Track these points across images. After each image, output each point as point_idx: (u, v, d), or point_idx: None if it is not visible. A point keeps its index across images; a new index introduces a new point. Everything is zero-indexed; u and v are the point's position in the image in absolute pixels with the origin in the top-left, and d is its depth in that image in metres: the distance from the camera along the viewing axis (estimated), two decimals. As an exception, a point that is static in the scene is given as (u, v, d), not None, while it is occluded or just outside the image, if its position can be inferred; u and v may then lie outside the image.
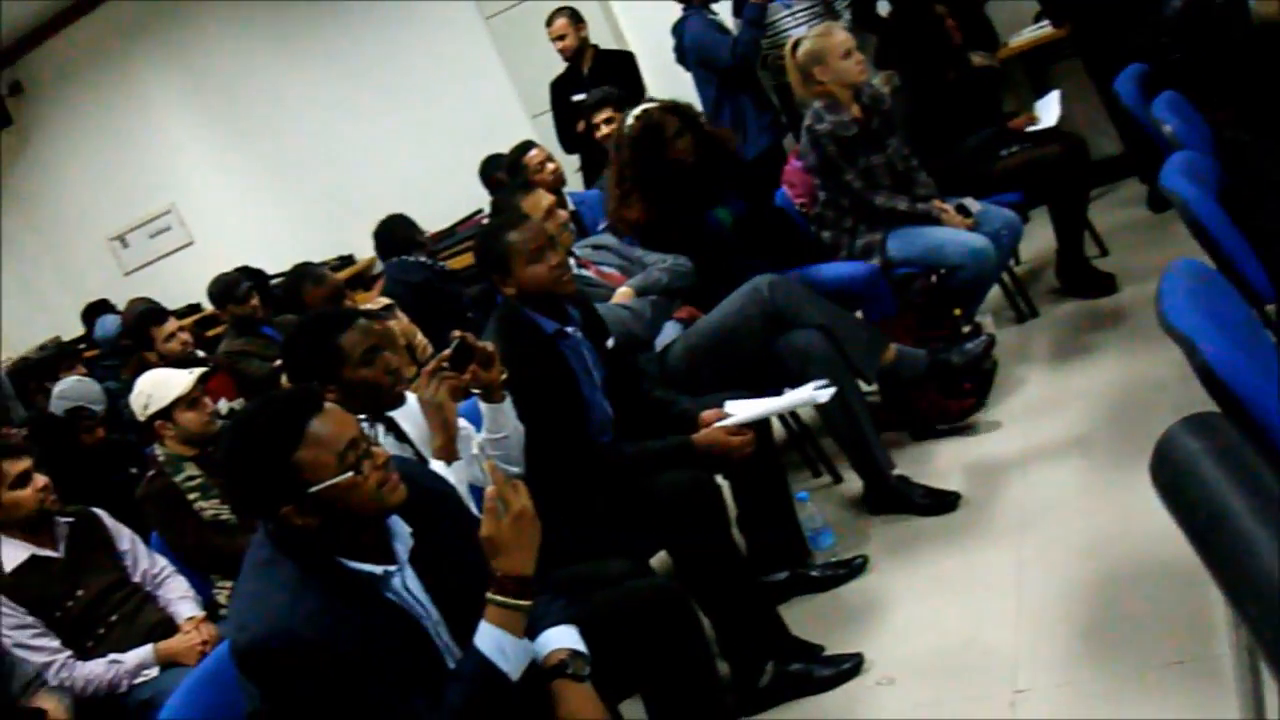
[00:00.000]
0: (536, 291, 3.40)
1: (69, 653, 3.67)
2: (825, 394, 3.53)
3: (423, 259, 5.85)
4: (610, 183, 4.62)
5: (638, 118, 4.46)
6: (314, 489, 2.18)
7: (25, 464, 3.79)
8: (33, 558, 3.78)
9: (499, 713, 2.23)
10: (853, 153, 4.68)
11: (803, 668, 3.30)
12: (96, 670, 3.65)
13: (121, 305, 8.58)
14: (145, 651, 3.71)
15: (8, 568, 3.74)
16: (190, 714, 2.68)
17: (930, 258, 4.67)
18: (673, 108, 4.51)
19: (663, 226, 4.44)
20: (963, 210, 4.76)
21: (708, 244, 4.44)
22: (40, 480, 3.81)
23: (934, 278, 4.70)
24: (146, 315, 6.32)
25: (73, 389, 5.73)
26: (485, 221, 7.11)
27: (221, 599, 4.05)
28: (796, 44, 4.84)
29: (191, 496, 4.07)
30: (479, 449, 3.07)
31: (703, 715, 2.73)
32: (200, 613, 3.88)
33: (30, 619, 3.67)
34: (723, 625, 3.21)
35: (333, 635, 2.15)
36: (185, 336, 6.23)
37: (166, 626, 3.84)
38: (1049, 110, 5.44)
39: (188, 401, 4.14)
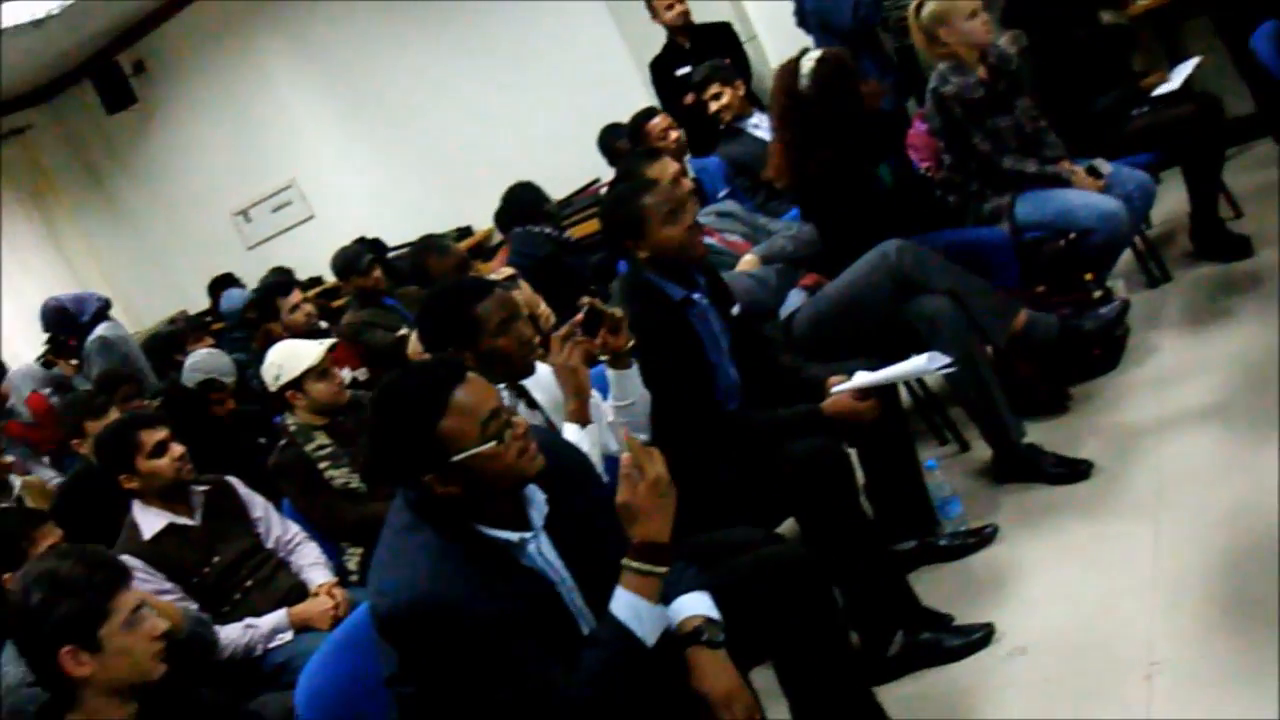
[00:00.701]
0: (669, 255, 3.41)
1: (208, 617, 3.77)
2: (940, 362, 3.48)
3: (548, 230, 5.86)
4: (778, 140, 4.49)
5: (820, 61, 4.32)
6: (456, 458, 2.21)
7: (162, 434, 3.90)
8: (170, 525, 3.88)
9: (634, 678, 2.26)
10: (979, 115, 4.60)
11: (932, 637, 3.29)
12: (233, 634, 3.74)
13: (246, 279, 8.78)
14: (280, 616, 3.79)
15: (146, 535, 3.84)
16: (328, 677, 2.75)
17: (1060, 221, 4.57)
18: (836, 54, 4.43)
19: (846, 175, 4.31)
20: (1093, 172, 4.66)
21: (875, 200, 4.35)
22: (176, 450, 3.90)
23: (1064, 242, 4.61)
24: (273, 286, 6.45)
25: (204, 361, 5.87)
26: (603, 191, 7.16)
27: (351, 565, 4.14)
28: (920, 5, 4.76)
29: (322, 465, 4.16)
30: (614, 416, 3.09)
31: (833, 683, 2.72)
32: (332, 578, 3.96)
33: (169, 584, 3.77)
34: (852, 594, 3.20)
35: (471, 600, 2.19)
36: (309, 308, 6.36)
37: (299, 592, 3.92)
38: (1180, 74, 5.29)
39: (318, 372, 4.21)
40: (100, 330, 7.13)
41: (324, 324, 6.37)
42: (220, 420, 5.56)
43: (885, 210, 4.32)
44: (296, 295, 6.29)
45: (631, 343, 3.10)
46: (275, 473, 4.26)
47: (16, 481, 5.71)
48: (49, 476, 6.70)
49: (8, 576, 3.46)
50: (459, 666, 2.22)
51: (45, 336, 7.76)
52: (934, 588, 3.54)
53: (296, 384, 4.21)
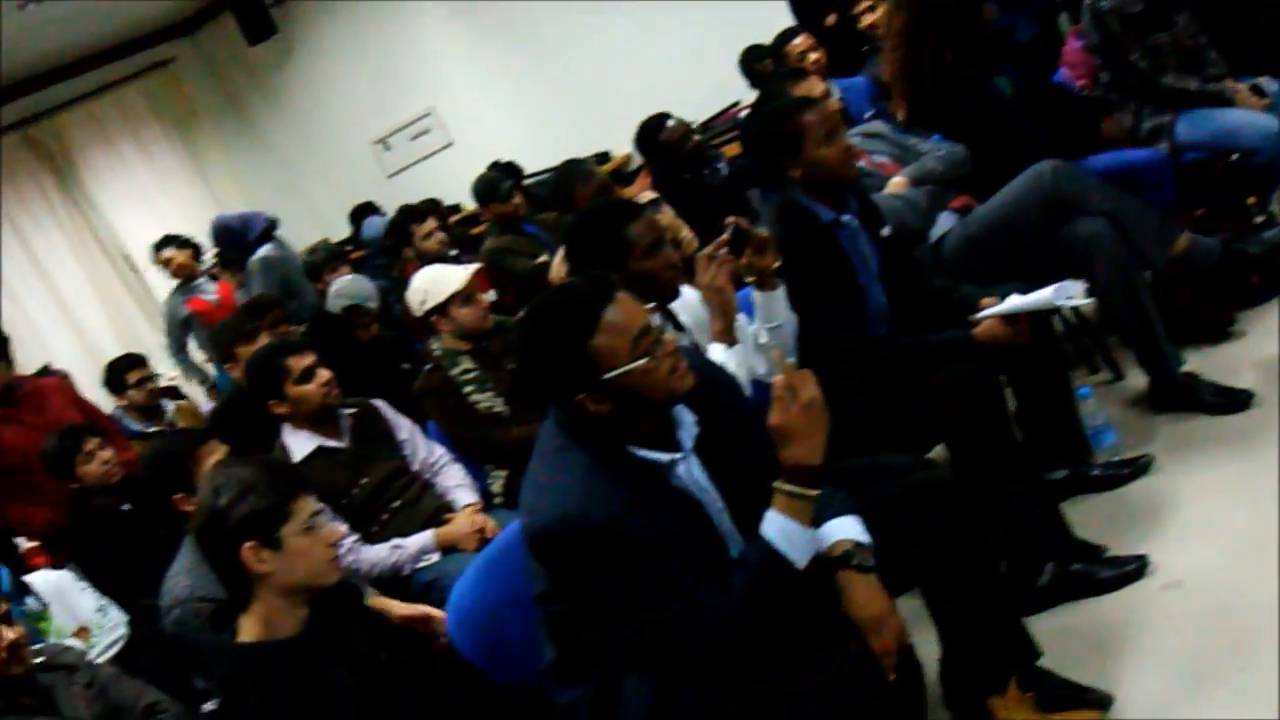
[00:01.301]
0: (824, 175, 3.38)
1: (356, 537, 3.86)
2: (1077, 289, 3.38)
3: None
4: (892, 65, 4.42)
5: None
6: (608, 376, 2.23)
7: (310, 359, 3.98)
8: (319, 448, 3.98)
9: (784, 601, 2.26)
10: (1138, 31, 4.45)
11: (1084, 569, 3.24)
12: (381, 554, 3.83)
13: (385, 207, 8.90)
14: (426, 537, 3.87)
15: (296, 458, 3.94)
16: (477, 597, 2.81)
17: (1222, 142, 4.42)
18: None
19: (964, 85, 4.23)
20: (1257, 91, 4.49)
21: (996, 115, 4.24)
22: (323, 375, 3.98)
23: (1225, 163, 4.45)
24: (408, 213, 6.51)
25: (348, 287, 5.97)
26: (743, 115, 7.10)
27: (495, 488, 4.19)
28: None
29: (467, 389, 4.20)
30: (766, 339, 3.08)
31: (983, 611, 2.71)
32: (477, 500, 4.03)
33: (319, 505, 3.86)
34: (1002, 522, 3.15)
35: (623, 520, 2.21)
36: (442, 236, 6.41)
37: (445, 513, 3.99)
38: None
39: (463, 297, 4.25)
40: (263, 251, 7.32)
41: (454, 251, 6.42)
42: (365, 345, 5.66)
43: (1013, 124, 4.23)
44: (430, 223, 6.34)
45: (778, 264, 3.08)
46: (420, 397, 4.32)
47: (170, 405, 5.90)
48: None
49: (179, 496, 3.59)
50: (610, 585, 2.25)
51: (213, 251, 8.02)
52: (1086, 518, 3.47)
53: (441, 309, 4.25)
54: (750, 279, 3.11)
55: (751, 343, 3.12)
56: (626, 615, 2.28)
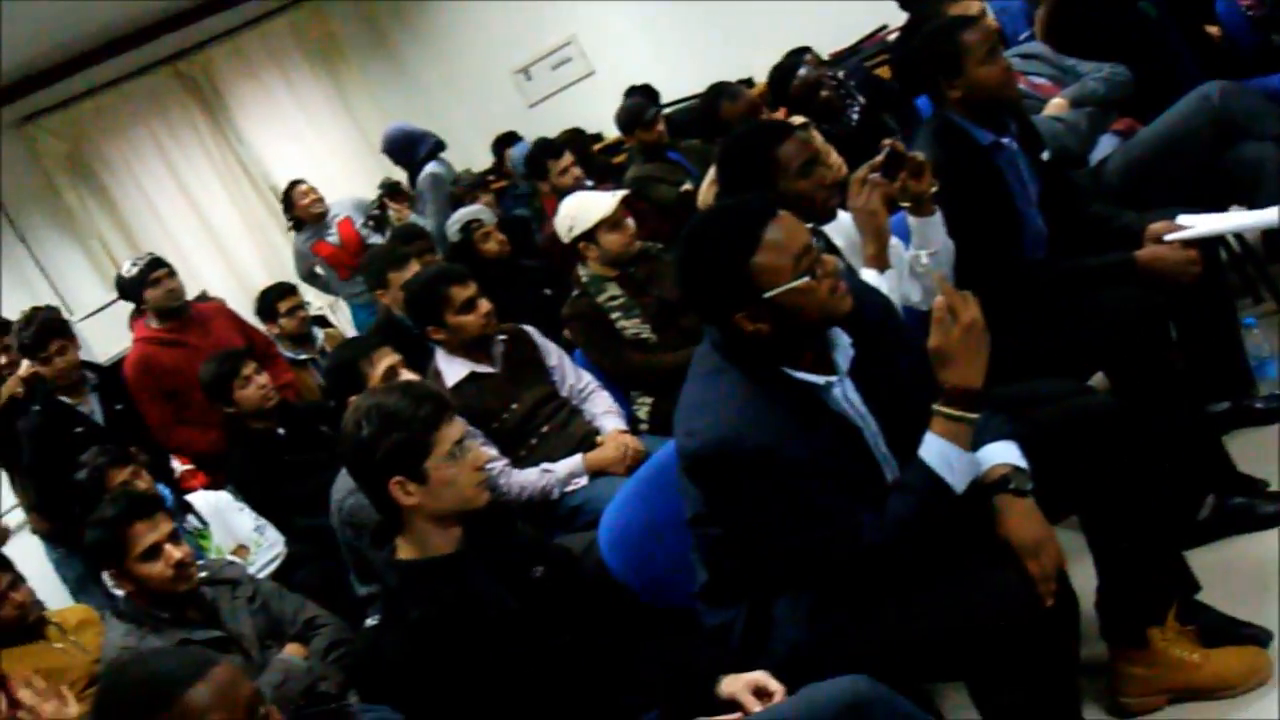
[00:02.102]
0: (985, 96, 3.31)
1: (506, 460, 3.93)
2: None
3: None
4: None
5: None
6: (769, 294, 2.23)
7: (472, 290, 4.02)
8: (472, 374, 4.03)
9: (941, 525, 2.26)
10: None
11: (1245, 503, 3.18)
12: (530, 477, 3.90)
13: (527, 137, 8.94)
14: (575, 461, 3.92)
15: (449, 383, 4.00)
16: (628, 520, 2.85)
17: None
18: None
19: (1108, 11, 4.13)
20: None
21: (1143, 35, 4.14)
22: (485, 306, 4.02)
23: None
24: (544, 148, 6.51)
25: (460, 215, 6.02)
26: (891, 38, 6.98)
27: (641, 414, 4.23)
28: None
29: (614, 316, 4.24)
30: (925, 263, 3.05)
31: (1143, 542, 2.67)
32: (624, 426, 4.07)
33: (471, 428, 3.94)
34: (1162, 452, 3.09)
35: (778, 442, 2.22)
36: (578, 172, 6.37)
37: (593, 438, 4.02)
38: None
39: (610, 223, 4.27)
40: (431, 167, 7.44)
41: (589, 183, 6.41)
42: (496, 263, 5.67)
43: (1159, 45, 4.10)
44: (566, 159, 6.32)
45: (935, 188, 3.04)
46: (567, 323, 4.37)
47: (319, 333, 6.04)
48: (351, 292, 7.18)
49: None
50: (765, 507, 2.27)
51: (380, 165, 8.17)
52: (1249, 452, 3.38)
53: (589, 235, 4.28)
54: (905, 204, 3.08)
55: (905, 268, 3.09)
56: (781, 538, 2.29)
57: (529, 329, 4.26)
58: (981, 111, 3.33)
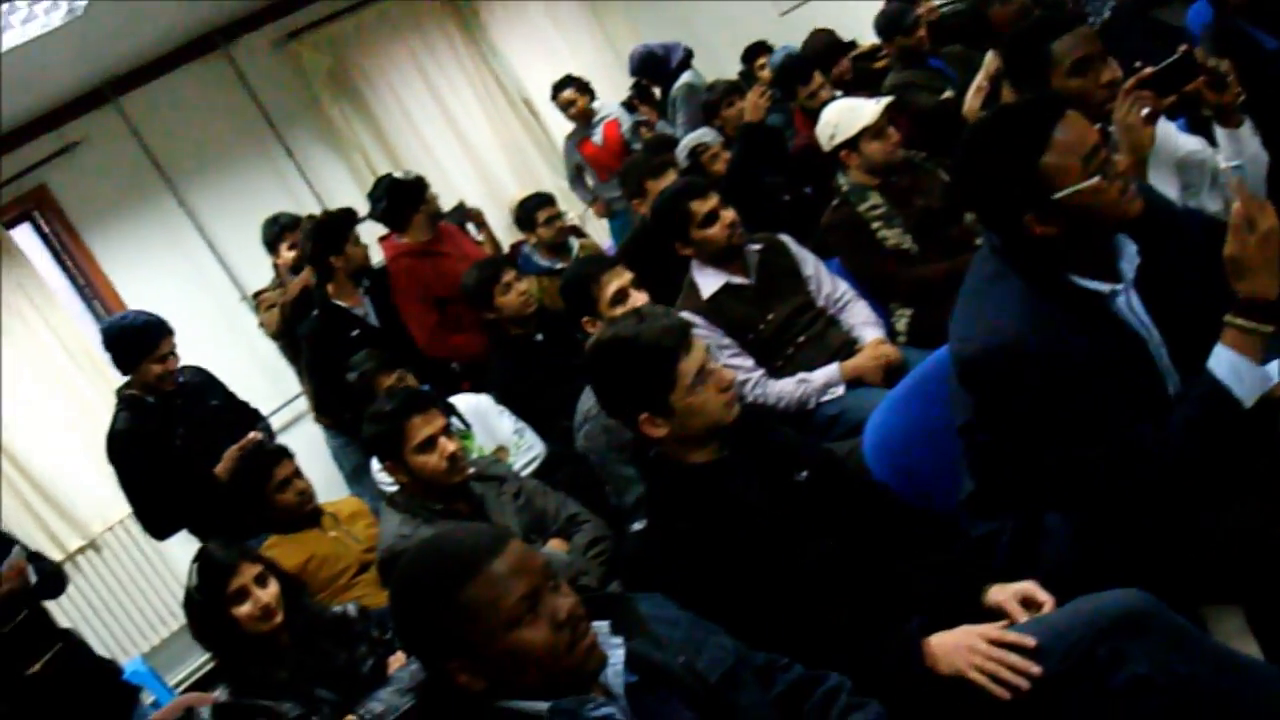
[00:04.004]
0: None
1: (762, 371, 3.96)
2: None
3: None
4: None
5: None
6: (1058, 195, 2.19)
7: (713, 202, 4.03)
8: (727, 285, 4.06)
9: (1227, 439, 2.19)
10: None
11: None
12: (787, 387, 3.92)
13: (776, 45, 8.85)
14: (832, 370, 3.92)
15: (705, 295, 4.05)
16: (892, 428, 2.86)
17: None
18: None
19: None
20: None
21: None
22: (728, 216, 4.03)
23: None
24: (791, 69, 6.39)
25: (685, 142, 6.01)
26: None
27: (900, 326, 4.20)
28: None
29: (874, 226, 4.20)
30: (1228, 173, 2.91)
31: None
32: (883, 336, 4.04)
33: (727, 340, 3.97)
34: None
35: (1059, 349, 2.19)
36: (825, 94, 6.24)
37: (849, 348, 4.02)
38: None
39: (874, 131, 4.22)
40: (685, 78, 7.49)
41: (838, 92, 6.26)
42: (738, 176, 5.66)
43: None
44: (816, 80, 6.18)
45: (1241, 97, 2.88)
46: (826, 232, 4.34)
47: (575, 244, 6.14)
48: (612, 195, 7.32)
49: (585, 320, 3.78)
50: (1042, 416, 2.24)
51: (631, 81, 8.27)
52: None
53: (852, 143, 4.24)
54: (1206, 112, 2.93)
55: (1206, 180, 2.94)
56: (1057, 448, 2.26)
57: (785, 238, 4.25)
58: (1268, 16, 3.15)
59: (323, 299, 5.34)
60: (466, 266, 5.10)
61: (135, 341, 4.67)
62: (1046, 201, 2.19)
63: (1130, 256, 2.31)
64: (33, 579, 4.33)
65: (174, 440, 4.72)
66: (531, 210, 6.07)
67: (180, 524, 4.94)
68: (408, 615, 1.93)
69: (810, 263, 4.23)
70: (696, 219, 4.04)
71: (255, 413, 5.26)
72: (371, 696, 3.16)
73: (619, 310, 3.58)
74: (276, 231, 6.16)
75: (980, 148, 2.33)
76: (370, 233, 5.83)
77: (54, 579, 4.61)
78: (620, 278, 3.74)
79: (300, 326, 5.42)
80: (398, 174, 5.90)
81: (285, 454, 4.40)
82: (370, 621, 3.48)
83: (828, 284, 4.20)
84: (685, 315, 3.83)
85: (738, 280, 4.09)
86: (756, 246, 4.15)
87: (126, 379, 4.80)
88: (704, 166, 5.80)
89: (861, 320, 4.11)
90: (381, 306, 5.45)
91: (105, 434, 4.80)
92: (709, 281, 4.09)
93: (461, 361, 5.46)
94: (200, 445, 4.68)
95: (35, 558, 4.48)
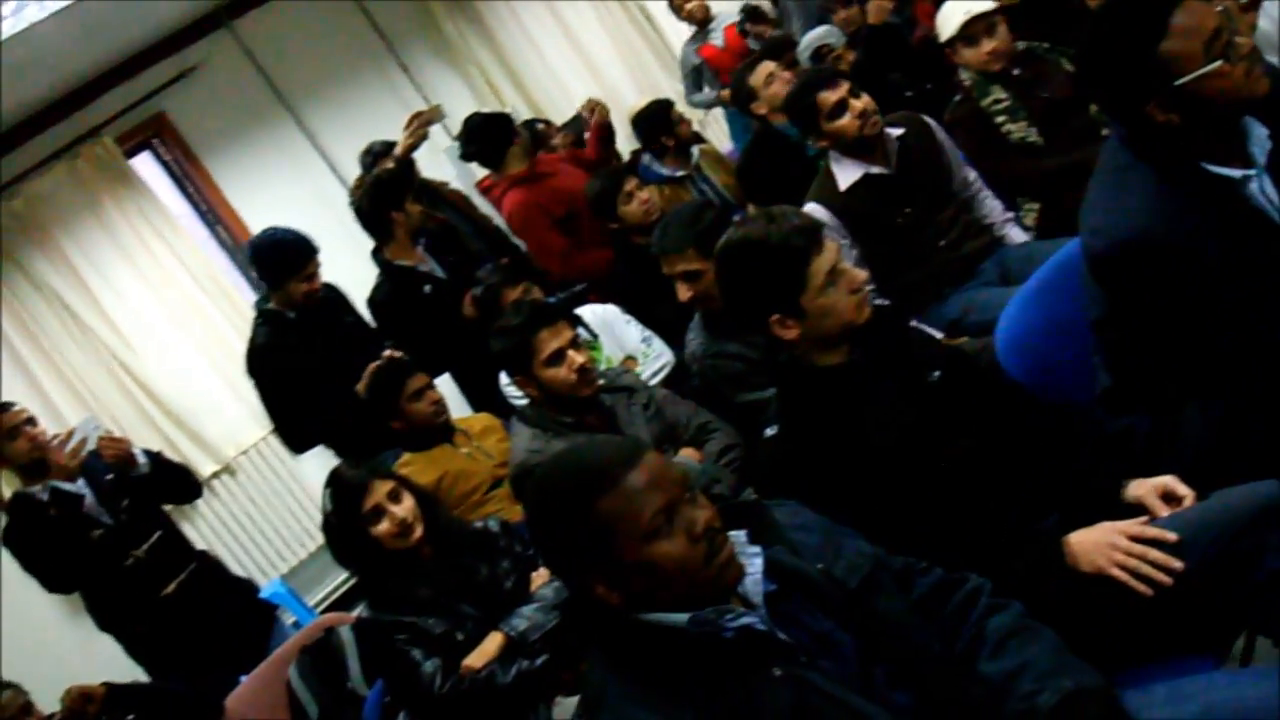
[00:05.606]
0: None
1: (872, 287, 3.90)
2: None
3: None
4: None
5: None
6: (1180, 82, 2.18)
7: (842, 91, 4.00)
8: (865, 177, 4.02)
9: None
10: None
11: None
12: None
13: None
14: None
15: (841, 187, 4.03)
16: (1026, 321, 2.88)
17: None
18: None
19: None
20: None
21: None
22: (858, 105, 3.99)
23: None
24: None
25: (809, 39, 5.95)
26: None
27: (1027, 221, 4.20)
28: None
29: (999, 120, 4.16)
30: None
31: None
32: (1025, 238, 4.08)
33: (845, 239, 3.96)
34: None
35: (1193, 239, 2.19)
36: None
37: (990, 247, 4.04)
38: None
39: (984, 27, 4.20)
40: None
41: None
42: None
43: None
44: None
45: None
46: (951, 128, 4.29)
47: (695, 151, 6.14)
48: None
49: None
50: (1177, 307, 2.24)
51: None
52: None
53: (969, 39, 4.22)
54: None
55: None
56: (1193, 339, 2.27)
57: (927, 119, 4.19)
58: None
59: (385, 263, 5.21)
60: (575, 181, 5.14)
61: (285, 258, 4.78)
62: (1169, 89, 2.19)
63: (1261, 140, 2.29)
64: (141, 460, 4.52)
65: (313, 355, 4.81)
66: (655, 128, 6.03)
67: (318, 439, 5.09)
68: (544, 532, 1.96)
69: (949, 145, 4.19)
70: (825, 109, 4.02)
71: (380, 335, 5.26)
72: (515, 614, 3.22)
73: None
74: (370, 161, 6.20)
75: (1098, 39, 2.32)
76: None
77: (176, 474, 4.79)
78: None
79: (370, 295, 5.27)
80: (482, 111, 5.98)
81: (417, 366, 4.45)
82: (513, 536, 3.52)
83: (960, 169, 4.16)
84: (814, 208, 3.92)
85: (876, 170, 4.03)
86: (897, 131, 4.08)
87: (263, 295, 4.92)
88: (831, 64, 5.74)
89: (1000, 217, 4.12)
90: (445, 261, 5.35)
91: (245, 349, 4.94)
92: (847, 173, 4.05)
93: (595, 279, 5.49)
94: (337, 361, 4.75)
95: (154, 456, 4.66)
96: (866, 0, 6.13)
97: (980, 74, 4.24)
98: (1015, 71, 4.23)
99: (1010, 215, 4.14)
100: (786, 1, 7.50)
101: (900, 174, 4.04)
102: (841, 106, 4.01)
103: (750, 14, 7.27)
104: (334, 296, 5.13)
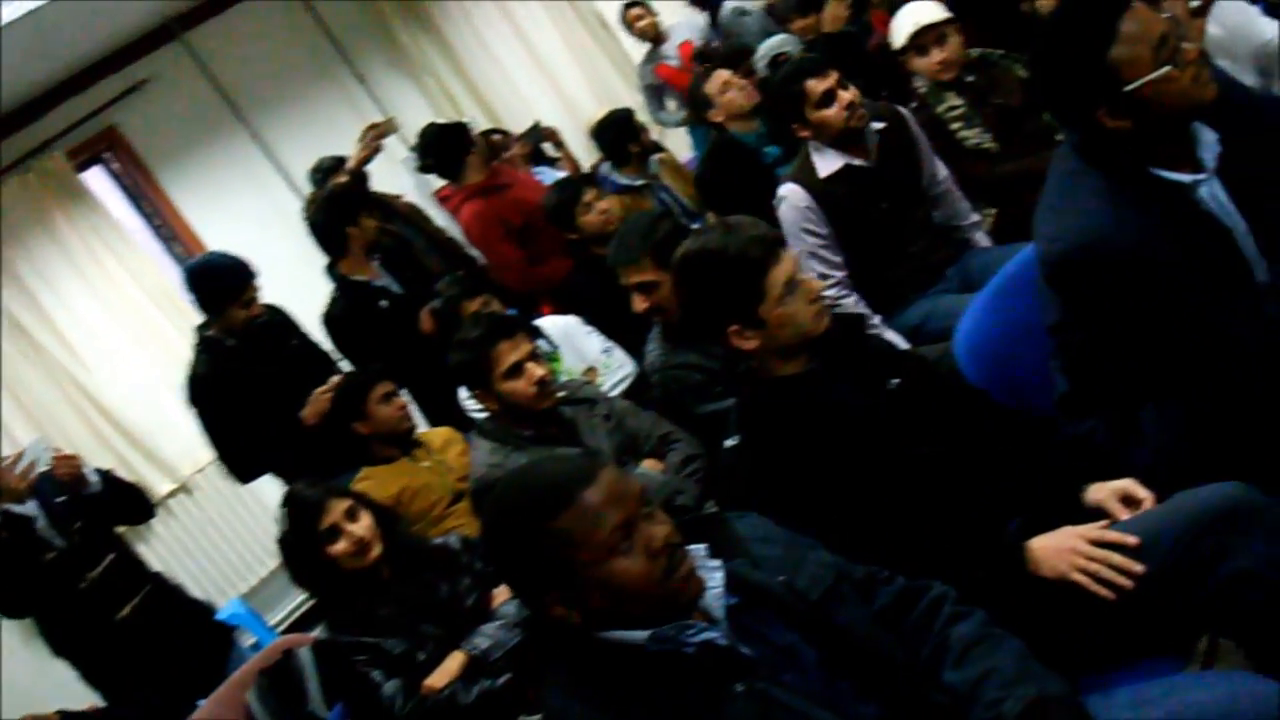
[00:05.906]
0: None
1: (844, 273, 3.95)
2: None
3: None
4: None
5: None
6: (1129, 88, 2.20)
7: (831, 80, 3.95)
8: (846, 168, 3.98)
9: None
10: None
11: None
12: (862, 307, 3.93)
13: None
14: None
15: (821, 175, 3.99)
16: (985, 326, 2.89)
17: None
18: None
19: None
20: None
21: None
22: (845, 96, 3.95)
23: None
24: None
25: (765, 48, 5.96)
26: None
27: (984, 227, 4.21)
28: None
29: (954, 126, 4.20)
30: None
31: None
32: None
33: (825, 230, 3.94)
34: None
35: (1146, 245, 2.20)
36: None
37: (958, 247, 4.08)
38: None
39: (934, 36, 4.24)
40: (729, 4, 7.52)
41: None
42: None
43: None
44: None
45: None
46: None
47: (654, 160, 6.13)
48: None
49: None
50: (1131, 312, 2.26)
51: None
52: None
53: (916, 48, 4.26)
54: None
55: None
56: (1148, 343, 2.29)
57: (902, 110, 4.18)
58: None
59: (340, 278, 5.18)
60: (532, 192, 5.13)
61: (220, 285, 4.67)
62: (1118, 94, 2.21)
63: (1210, 145, 2.31)
64: (92, 479, 4.43)
65: (256, 382, 4.72)
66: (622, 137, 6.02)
67: (264, 468, 5.00)
68: (501, 549, 1.94)
69: (923, 139, 4.16)
70: (812, 98, 3.96)
71: (328, 357, 5.22)
72: (477, 632, 3.21)
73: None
74: (320, 178, 6.19)
75: (1048, 46, 2.34)
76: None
77: (128, 493, 4.71)
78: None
79: (325, 311, 5.21)
80: (438, 121, 5.96)
81: (384, 373, 4.43)
82: (474, 552, 3.50)
83: (931, 164, 4.14)
84: (793, 189, 3.93)
85: (857, 162, 3.99)
86: (879, 126, 4.04)
87: (203, 321, 4.81)
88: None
89: (968, 219, 4.14)
90: (400, 275, 5.32)
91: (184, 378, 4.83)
92: (827, 162, 4.00)
93: (553, 290, 5.47)
94: (282, 387, 4.70)
95: (105, 474, 4.57)
96: (823, 8, 6.17)
97: (934, 81, 4.26)
98: (969, 78, 4.27)
99: (977, 219, 4.16)
100: (725, 25, 7.51)
101: (880, 168, 4.01)
102: (829, 96, 3.95)
103: (700, 57, 7.29)
104: (278, 320, 5.04)
